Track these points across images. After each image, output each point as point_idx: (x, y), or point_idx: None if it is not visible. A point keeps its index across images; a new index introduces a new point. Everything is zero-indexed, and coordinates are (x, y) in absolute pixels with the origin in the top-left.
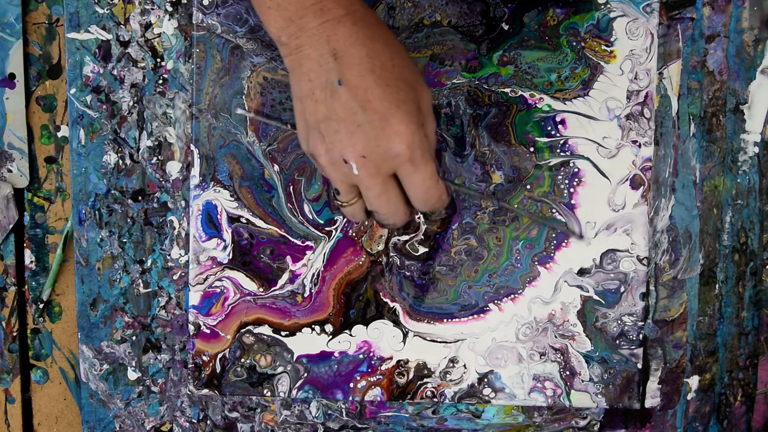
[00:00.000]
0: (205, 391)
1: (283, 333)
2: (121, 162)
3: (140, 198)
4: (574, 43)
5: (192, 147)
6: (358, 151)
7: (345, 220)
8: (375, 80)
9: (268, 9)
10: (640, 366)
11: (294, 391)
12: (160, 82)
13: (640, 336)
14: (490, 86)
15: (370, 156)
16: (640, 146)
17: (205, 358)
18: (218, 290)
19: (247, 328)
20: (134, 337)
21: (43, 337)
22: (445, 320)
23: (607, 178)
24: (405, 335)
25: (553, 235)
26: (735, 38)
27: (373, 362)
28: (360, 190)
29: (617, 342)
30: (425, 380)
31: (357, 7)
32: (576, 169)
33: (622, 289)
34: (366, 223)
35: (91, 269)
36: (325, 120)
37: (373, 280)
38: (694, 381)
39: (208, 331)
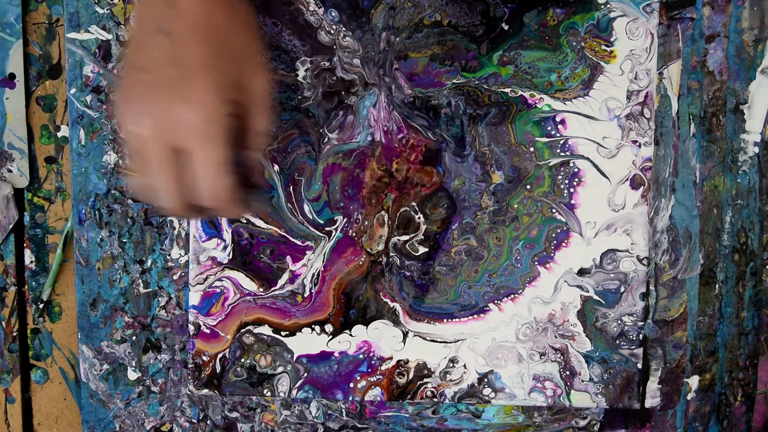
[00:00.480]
0: (205, 391)
1: (283, 333)
2: (121, 162)
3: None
4: (574, 43)
5: None
6: (150, 107)
7: (345, 220)
8: (199, 38)
9: None
10: (640, 366)
11: (294, 391)
12: None
13: (640, 336)
14: (490, 86)
15: (159, 116)
16: (640, 146)
17: (205, 358)
18: (218, 290)
19: (247, 328)
20: (134, 337)
21: (43, 337)
22: (445, 320)
23: (607, 178)
24: (405, 335)
25: (553, 235)
26: (735, 38)
27: (373, 362)
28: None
29: (617, 342)
30: (425, 380)
31: None
32: (576, 169)
33: (622, 289)
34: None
35: (91, 269)
36: (139, 69)
37: (373, 280)
38: (694, 381)
39: (208, 331)
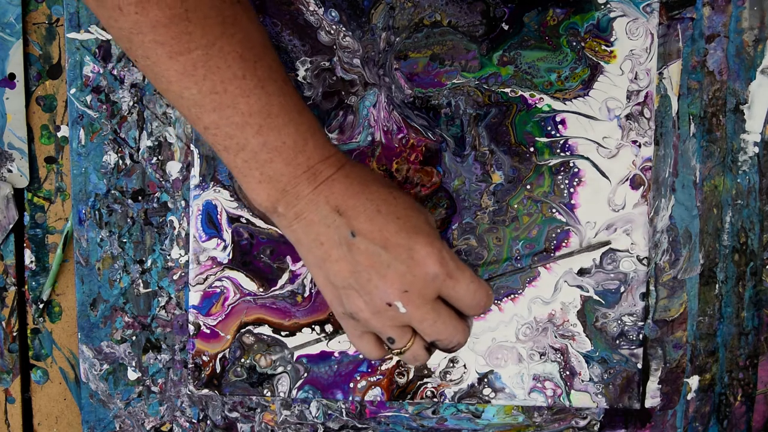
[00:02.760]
0: (205, 391)
1: (283, 333)
2: (121, 162)
3: (140, 198)
4: (574, 43)
5: (192, 147)
6: (398, 288)
7: None
8: (384, 218)
9: (258, 184)
10: (640, 366)
11: (294, 391)
12: None
13: (640, 336)
14: (490, 86)
15: (411, 288)
16: (640, 146)
17: (205, 358)
18: (218, 290)
19: (247, 328)
20: (134, 337)
21: (43, 337)
22: None
23: (607, 178)
24: None
25: (553, 235)
26: (735, 38)
27: (373, 362)
28: (413, 329)
29: (617, 342)
30: (425, 380)
31: (344, 160)
32: (576, 169)
33: (622, 289)
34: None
35: (91, 269)
36: (352, 275)
37: None
38: (694, 381)
39: (208, 331)
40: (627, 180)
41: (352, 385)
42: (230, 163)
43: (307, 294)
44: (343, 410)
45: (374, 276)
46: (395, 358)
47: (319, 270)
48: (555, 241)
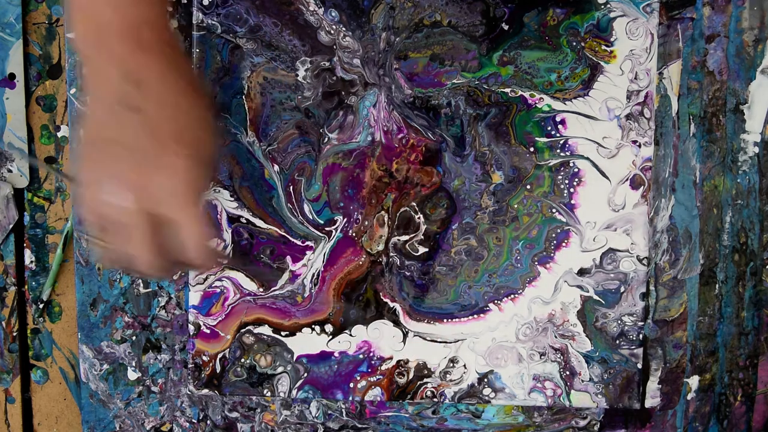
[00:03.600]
0: (205, 391)
1: (283, 333)
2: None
3: None
4: (574, 43)
5: None
6: (129, 180)
7: (345, 220)
8: (167, 114)
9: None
10: (640, 366)
11: (294, 391)
12: None
13: (640, 336)
14: (490, 86)
15: (139, 187)
16: (640, 146)
17: (205, 358)
18: (218, 290)
19: (247, 328)
20: (134, 337)
21: (43, 337)
22: (445, 320)
23: (607, 178)
24: (405, 335)
25: (553, 235)
26: (735, 38)
27: (373, 362)
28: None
29: (617, 342)
30: (425, 380)
31: (167, 37)
32: (576, 169)
33: (622, 289)
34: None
35: (91, 269)
36: (111, 143)
37: (373, 280)
38: (694, 381)
39: (208, 331)
40: (627, 180)
41: (352, 385)
42: None
43: (307, 294)
44: (343, 410)
45: (119, 152)
46: None
47: (92, 113)
48: (555, 241)
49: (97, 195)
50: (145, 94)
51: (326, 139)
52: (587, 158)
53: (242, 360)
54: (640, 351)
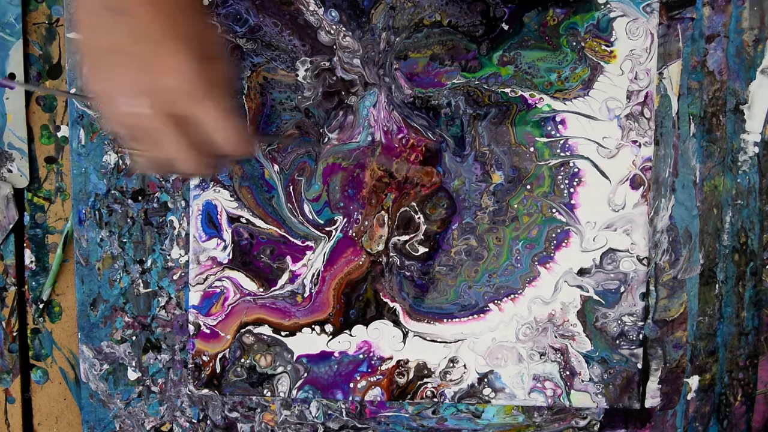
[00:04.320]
0: (205, 391)
1: (283, 333)
2: (121, 162)
3: (140, 198)
4: (574, 43)
5: None
6: (137, 84)
7: (345, 220)
8: (154, 12)
9: None
10: (640, 366)
11: (294, 391)
12: None
13: (640, 336)
14: (490, 86)
15: (152, 94)
16: (640, 146)
17: (205, 358)
18: (218, 290)
19: (247, 328)
20: (134, 337)
21: (43, 337)
22: (445, 320)
23: (607, 178)
24: (405, 335)
25: (553, 235)
26: (735, 38)
27: (373, 362)
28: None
29: (617, 342)
30: (425, 380)
31: None
32: (576, 169)
33: (622, 289)
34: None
35: (91, 269)
36: (108, 53)
37: (373, 280)
38: (694, 381)
39: (208, 331)
40: (627, 180)
41: (352, 385)
42: None
43: (307, 294)
44: (343, 410)
45: (124, 62)
46: None
47: (85, 30)
48: (555, 241)
49: (114, 107)
50: None
51: (326, 139)
52: (587, 158)
53: (242, 360)
54: (640, 351)
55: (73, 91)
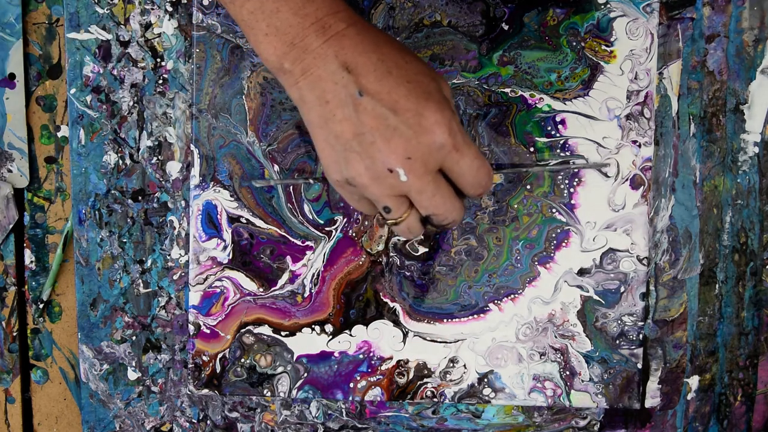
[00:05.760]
0: (205, 391)
1: (283, 333)
2: (121, 162)
3: (140, 198)
4: (574, 43)
5: (192, 147)
6: (401, 154)
7: (345, 220)
8: (395, 80)
9: (265, 36)
10: (640, 366)
11: (294, 391)
12: (160, 82)
13: (640, 336)
14: (490, 86)
15: (415, 155)
16: (640, 146)
17: (205, 358)
18: (218, 290)
19: (247, 328)
20: (134, 337)
21: (43, 337)
22: (445, 320)
23: (608, 178)
24: (405, 335)
25: (553, 235)
26: (735, 38)
27: (373, 362)
28: (410, 200)
29: (617, 342)
30: (425, 380)
31: (356, 18)
32: (576, 169)
33: (622, 289)
34: (422, 235)
35: (91, 269)
36: (356, 137)
37: (373, 280)
38: (694, 381)
39: (208, 331)
40: (627, 180)
41: (352, 385)
42: (237, 16)
43: (307, 294)
44: (343, 410)
45: (378, 139)
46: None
47: (320, 131)
48: (555, 241)
49: (377, 184)
50: (358, 74)
51: None
52: (587, 158)
53: (242, 360)
54: (640, 351)
55: (73, 91)
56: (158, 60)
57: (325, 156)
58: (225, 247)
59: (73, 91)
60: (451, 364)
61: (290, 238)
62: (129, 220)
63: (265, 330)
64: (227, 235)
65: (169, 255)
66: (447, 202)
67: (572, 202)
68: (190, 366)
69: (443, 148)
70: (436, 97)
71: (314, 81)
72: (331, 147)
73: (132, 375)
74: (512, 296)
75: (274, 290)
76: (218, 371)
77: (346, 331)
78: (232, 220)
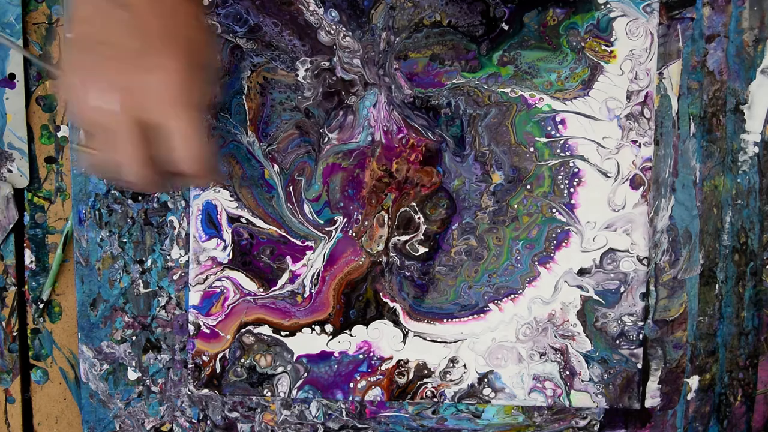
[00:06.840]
0: (205, 391)
1: (283, 333)
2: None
3: (140, 198)
4: (574, 43)
5: None
6: (116, 81)
7: (345, 220)
8: (157, 11)
9: None
10: (640, 366)
11: (294, 391)
12: None
13: (640, 336)
14: (490, 86)
15: (127, 89)
16: (640, 146)
17: (205, 358)
18: (218, 290)
19: (247, 328)
20: (134, 337)
21: (43, 337)
22: (445, 320)
23: (608, 177)
24: (405, 335)
25: (553, 235)
26: (735, 38)
27: (373, 362)
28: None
29: (617, 342)
30: (425, 380)
31: None
32: (576, 169)
33: (622, 289)
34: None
35: (91, 269)
36: (98, 43)
37: (373, 280)
38: (694, 381)
39: (208, 331)
40: (627, 180)
41: (352, 385)
42: None
43: (307, 294)
44: (343, 410)
45: (112, 55)
46: None
47: (79, 23)
48: (555, 241)
49: (84, 98)
50: None
51: (326, 139)
52: (587, 158)
53: (242, 360)
54: (640, 351)
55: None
56: None
57: (69, 50)
58: (225, 247)
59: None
60: (451, 364)
61: (290, 238)
62: (129, 220)
63: (265, 330)
64: (227, 235)
65: (169, 255)
66: (132, 156)
67: (572, 202)
68: (190, 366)
69: (158, 95)
70: (182, 46)
71: None
72: (75, 43)
73: (132, 375)
74: (512, 296)
75: (274, 290)
76: (218, 371)
77: (346, 331)
78: (232, 220)
